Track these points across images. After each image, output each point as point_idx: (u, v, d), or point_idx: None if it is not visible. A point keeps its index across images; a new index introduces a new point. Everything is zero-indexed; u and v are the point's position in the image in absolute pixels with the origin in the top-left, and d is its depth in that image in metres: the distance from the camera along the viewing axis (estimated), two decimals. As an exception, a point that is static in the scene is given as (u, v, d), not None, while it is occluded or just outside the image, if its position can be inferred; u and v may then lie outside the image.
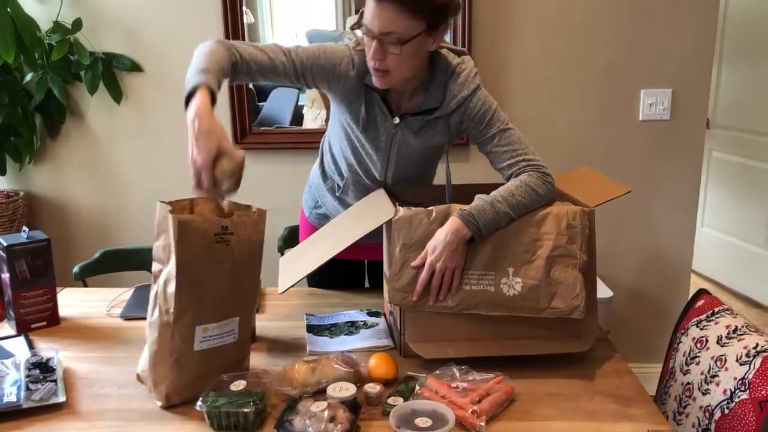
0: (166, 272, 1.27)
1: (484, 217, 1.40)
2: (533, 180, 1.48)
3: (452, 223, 1.40)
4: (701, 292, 1.65)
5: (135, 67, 2.59)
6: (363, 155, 1.67)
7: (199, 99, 1.29)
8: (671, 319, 1.90)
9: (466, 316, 1.43)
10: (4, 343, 1.56)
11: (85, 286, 2.13)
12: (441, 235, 1.39)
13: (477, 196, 1.46)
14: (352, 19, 2.53)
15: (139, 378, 1.37)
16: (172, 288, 1.24)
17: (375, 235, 1.47)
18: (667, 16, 2.53)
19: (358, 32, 1.52)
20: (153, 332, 1.29)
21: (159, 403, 1.30)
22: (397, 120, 1.58)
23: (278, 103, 2.74)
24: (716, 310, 1.55)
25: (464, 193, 1.56)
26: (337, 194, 1.76)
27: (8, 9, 2.37)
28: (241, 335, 1.36)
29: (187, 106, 1.31)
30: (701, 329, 1.54)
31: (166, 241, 1.27)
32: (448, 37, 2.05)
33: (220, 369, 1.32)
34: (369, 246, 1.64)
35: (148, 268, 1.34)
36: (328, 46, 1.54)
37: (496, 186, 1.49)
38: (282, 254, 2.20)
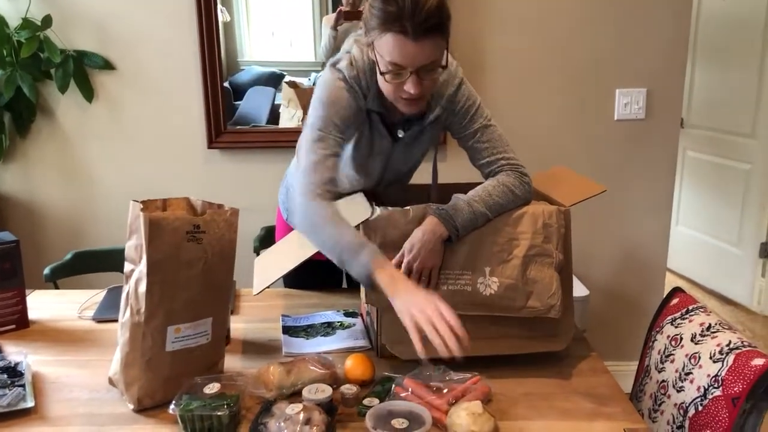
0: (137, 272, 1.25)
1: (462, 217, 1.40)
2: (511, 180, 1.48)
3: (429, 222, 1.39)
4: (676, 291, 1.66)
5: (107, 65, 2.54)
6: (354, 178, 1.63)
7: (387, 274, 1.29)
8: (647, 317, 1.91)
9: (442, 315, 1.42)
10: (-29, 347, 1.53)
11: (57, 288, 2.09)
12: (418, 235, 1.38)
13: (454, 195, 1.46)
14: (329, 18, 2.52)
15: (111, 381, 1.34)
16: (143, 287, 1.23)
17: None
18: (641, 17, 2.55)
19: (352, 51, 1.45)
20: (124, 333, 1.27)
21: (131, 407, 1.28)
22: (400, 133, 1.55)
23: (255, 102, 2.71)
24: (690, 308, 1.57)
25: (442, 193, 1.55)
26: None
27: (-24, 5, 2.32)
28: (215, 336, 1.34)
29: (369, 284, 1.30)
30: (676, 327, 1.55)
31: (138, 241, 1.25)
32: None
33: (194, 371, 1.30)
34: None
35: (121, 269, 1.32)
36: (330, 97, 1.43)
37: (473, 186, 1.48)
38: (258, 254, 2.17)
